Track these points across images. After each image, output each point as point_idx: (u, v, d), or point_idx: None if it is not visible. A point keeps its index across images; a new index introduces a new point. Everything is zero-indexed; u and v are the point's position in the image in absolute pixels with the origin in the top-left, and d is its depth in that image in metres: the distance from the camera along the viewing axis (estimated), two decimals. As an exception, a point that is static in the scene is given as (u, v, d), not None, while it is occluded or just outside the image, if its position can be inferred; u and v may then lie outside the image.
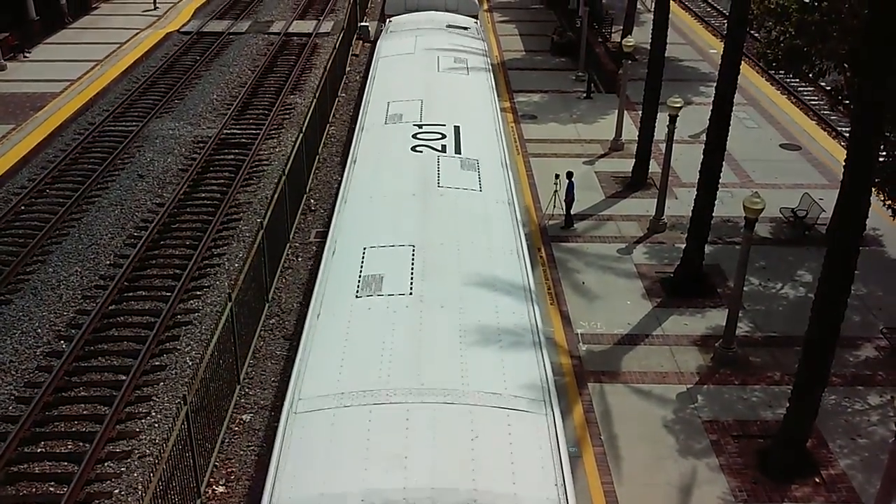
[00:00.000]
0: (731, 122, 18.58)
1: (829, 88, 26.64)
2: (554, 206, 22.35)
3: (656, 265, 20.41)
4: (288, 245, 21.48)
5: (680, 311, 18.62)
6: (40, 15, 36.92)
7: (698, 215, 18.96)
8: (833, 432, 15.21)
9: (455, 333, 11.62)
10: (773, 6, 21.06)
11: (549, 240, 21.47)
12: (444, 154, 17.24)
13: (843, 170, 12.96)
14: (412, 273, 12.91)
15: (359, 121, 20.40)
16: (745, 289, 17.81)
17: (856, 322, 18.02)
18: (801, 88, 33.00)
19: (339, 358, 11.29)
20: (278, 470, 9.61)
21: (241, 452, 15.11)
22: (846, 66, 19.70)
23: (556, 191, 22.25)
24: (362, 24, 40.00)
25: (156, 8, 42.38)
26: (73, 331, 17.87)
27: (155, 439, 15.10)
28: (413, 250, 13.53)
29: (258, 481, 14.22)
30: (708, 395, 16.18)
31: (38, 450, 14.91)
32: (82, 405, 15.93)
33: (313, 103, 25.65)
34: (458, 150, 17.51)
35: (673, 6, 30.54)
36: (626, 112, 26.85)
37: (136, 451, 14.85)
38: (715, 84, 18.52)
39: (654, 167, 24.33)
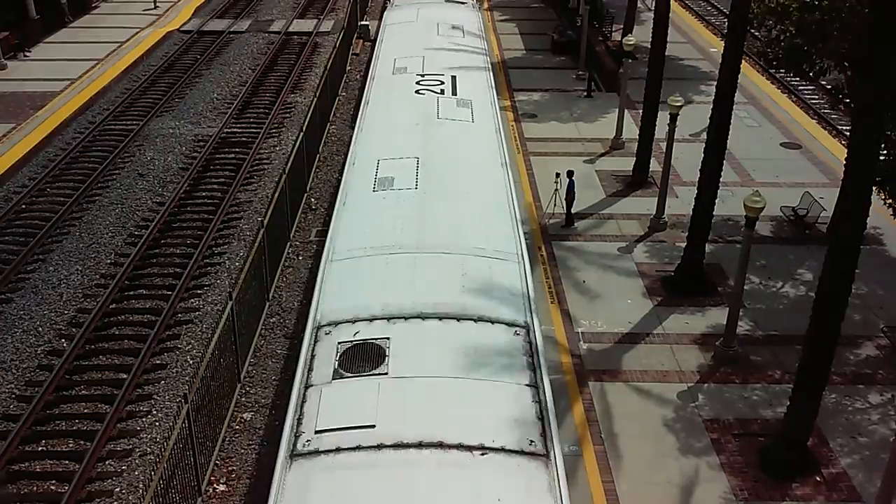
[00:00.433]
0: (732, 121, 18.58)
1: (829, 87, 26.63)
2: (554, 205, 22.36)
3: (657, 264, 20.42)
4: (288, 244, 21.49)
5: (681, 310, 18.63)
6: (41, 14, 36.89)
7: (699, 214, 18.97)
8: (834, 431, 15.23)
9: (451, 214, 14.98)
10: (773, 5, 21.07)
11: (550, 238, 21.48)
12: (442, 96, 20.33)
13: (843, 168, 12.98)
14: (417, 175, 16.20)
15: (369, 73, 23.63)
16: (745, 287, 17.82)
17: (856, 321, 18.03)
18: (802, 87, 33.00)
19: (362, 227, 14.81)
20: (321, 294, 13.02)
21: (242, 451, 15.12)
22: (846, 64, 19.70)
23: (556, 189, 22.26)
24: (362, 23, 39.99)
25: (156, 7, 42.37)
26: (73, 329, 17.88)
27: (156, 438, 15.11)
28: (418, 160, 16.76)
29: (259, 479, 14.26)
30: (708, 393, 16.18)
31: (40, 448, 14.93)
32: (83, 404, 15.94)
33: (314, 102, 25.66)
34: (454, 93, 20.65)
35: (673, 5, 30.57)
36: (626, 111, 26.85)
37: (137, 450, 14.86)
38: (715, 83, 18.53)
39: (655, 166, 24.33)
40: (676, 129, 20.88)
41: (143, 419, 15.58)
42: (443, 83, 21.12)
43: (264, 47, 36.58)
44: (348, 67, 35.08)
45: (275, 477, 9.68)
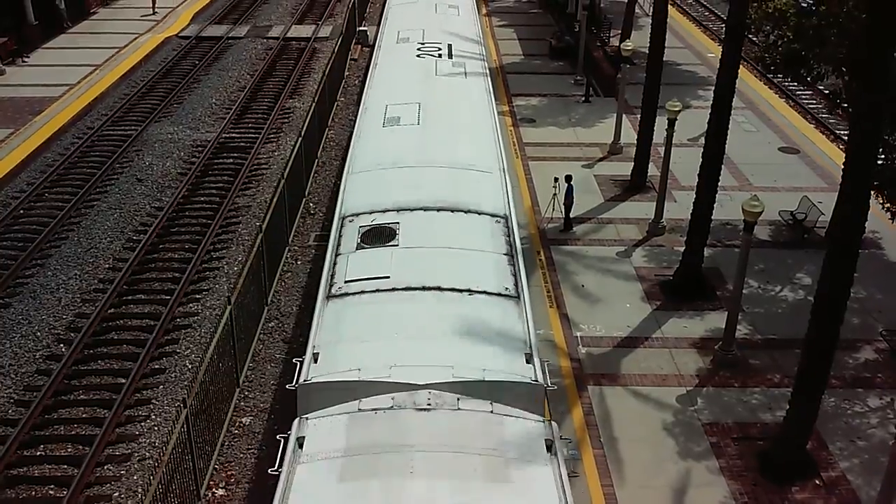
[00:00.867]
0: (730, 126, 18.62)
1: (827, 92, 26.74)
2: (553, 210, 22.38)
3: (655, 268, 20.44)
4: (287, 249, 21.49)
5: (679, 314, 18.64)
6: (39, 19, 36.87)
7: (697, 218, 18.99)
8: (833, 434, 15.23)
9: (447, 141, 18.24)
10: (771, 10, 21.12)
11: (549, 243, 21.50)
12: (439, 59, 23.66)
13: (841, 173, 13.00)
14: (419, 116, 19.33)
15: (376, 44, 27.10)
16: (744, 291, 17.82)
17: (855, 324, 18.04)
18: (800, 92, 33.11)
19: (375, 150, 18.07)
20: (344, 195, 16.17)
21: (241, 455, 15.09)
22: (844, 69, 19.76)
23: (555, 194, 22.29)
24: (361, 28, 40.04)
25: (154, 13, 42.38)
26: (72, 334, 17.86)
27: (155, 442, 15.08)
28: (419, 105, 19.89)
29: (258, 485, 14.23)
30: (707, 397, 16.19)
31: (38, 453, 14.90)
32: (82, 408, 15.92)
33: (312, 107, 25.69)
34: (450, 56, 24.02)
35: (671, 10, 30.62)
36: (624, 116, 26.90)
37: (136, 455, 14.83)
38: (713, 87, 18.56)
39: (653, 170, 24.36)
40: (674, 133, 20.91)
41: (142, 424, 15.55)
42: (440, 49, 24.45)
43: (263, 53, 36.62)
44: (347, 73, 35.11)
45: (315, 314, 12.70)
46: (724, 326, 17.06)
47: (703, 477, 14.28)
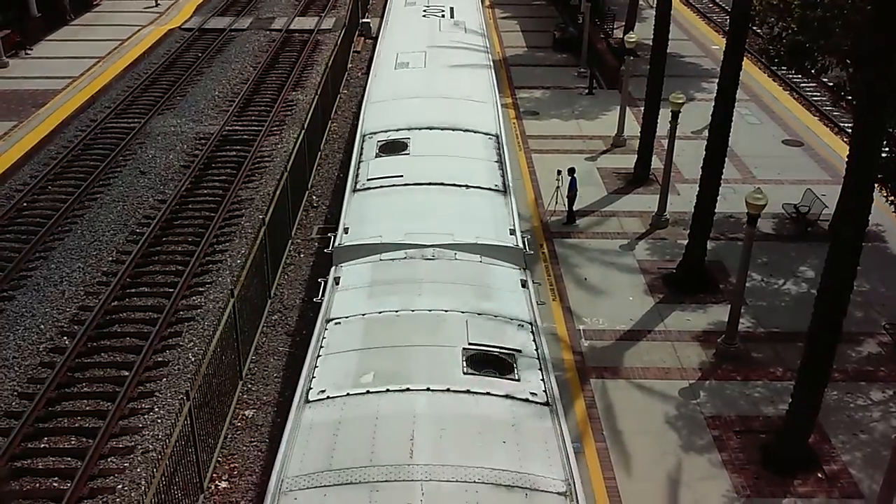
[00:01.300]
0: (734, 118, 18.56)
1: (831, 84, 26.63)
2: (556, 203, 22.36)
3: (658, 261, 20.42)
4: (290, 241, 21.50)
5: (682, 307, 18.63)
6: (42, 12, 36.88)
7: (701, 211, 18.96)
8: (835, 428, 15.23)
9: (449, 78, 22.32)
10: (775, 2, 21.06)
11: (552, 236, 21.48)
12: (443, 18, 28.31)
13: (845, 166, 12.96)
14: (425, 60, 23.56)
15: (386, 8, 31.83)
16: (747, 284, 17.81)
17: (858, 318, 18.02)
18: (804, 84, 32.97)
19: (389, 86, 22.11)
20: (364, 118, 20.22)
21: (244, 448, 15.14)
22: (848, 61, 19.67)
23: (558, 187, 22.26)
24: (364, 20, 39.97)
25: (157, 5, 42.34)
26: (75, 327, 17.90)
27: (158, 435, 15.12)
28: (425, 53, 24.08)
29: (261, 476, 14.27)
30: (710, 390, 16.19)
31: (42, 445, 14.96)
32: (85, 401, 15.97)
33: (315, 100, 25.67)
34: (451, 17, 28.63)
35: (675, 2, 30.53)
36: (628, 108, 26.84)
37: (140, 447, 14.88)
38: (717, 80, 18.51)
39: (657, 163, 24.32)
40: (678, 126, 20.84)
41: (146, 416, 15.59)
42: (443, 11, 29.14)
43: (266, 45, 36.57)
44: (350, 65, 35.06)
45: (344, 203, 16.20)
46: (726, 319, 17.06)
47: (705, 470, 14.29)
